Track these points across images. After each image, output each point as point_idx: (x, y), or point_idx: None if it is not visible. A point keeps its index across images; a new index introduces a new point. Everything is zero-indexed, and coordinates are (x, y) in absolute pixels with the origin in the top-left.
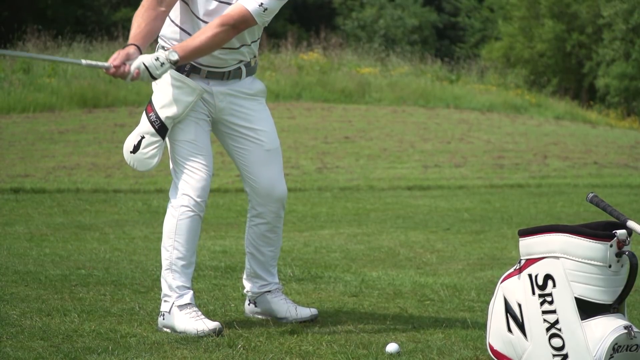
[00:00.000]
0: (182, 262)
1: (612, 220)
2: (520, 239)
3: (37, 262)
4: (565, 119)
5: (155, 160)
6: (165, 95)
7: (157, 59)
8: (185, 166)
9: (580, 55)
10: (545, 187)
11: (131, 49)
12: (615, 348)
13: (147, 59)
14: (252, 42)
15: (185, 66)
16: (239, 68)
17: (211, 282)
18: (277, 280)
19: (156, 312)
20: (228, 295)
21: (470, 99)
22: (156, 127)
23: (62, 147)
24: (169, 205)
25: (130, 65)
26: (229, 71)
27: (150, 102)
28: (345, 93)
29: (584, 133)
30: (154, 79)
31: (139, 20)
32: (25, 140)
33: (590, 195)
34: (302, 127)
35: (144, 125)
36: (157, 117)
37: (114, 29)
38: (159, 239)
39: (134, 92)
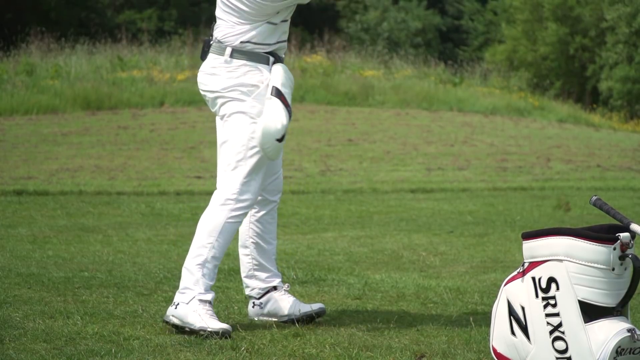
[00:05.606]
0: (215, 262)
1: (616, 223)
2: (523, 241)
3: (40, 265)
4: (568, 122)
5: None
6: (288, 97)
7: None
8: (258, 173)
9: (584, 59)
10: (549, 190)
11: None
12: (619, 351)
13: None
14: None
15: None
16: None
17: (214, 284)
18: (279, 274)
19: (160, 314)
20: (231, 298)
21: (474, 102)
22: (289, 120)
23: (65, 149)
24: (219, 204)
25: None
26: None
27: (282, 95)
28: (348, 96)
29: (587, 136)
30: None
31: None
32: (29, 142)
33: (594, 198)
34: (305, 129)
35: (286, 117)
36: (290, 112)
37: (117, 31)
38: (162, 242)
39: (137, 95)
